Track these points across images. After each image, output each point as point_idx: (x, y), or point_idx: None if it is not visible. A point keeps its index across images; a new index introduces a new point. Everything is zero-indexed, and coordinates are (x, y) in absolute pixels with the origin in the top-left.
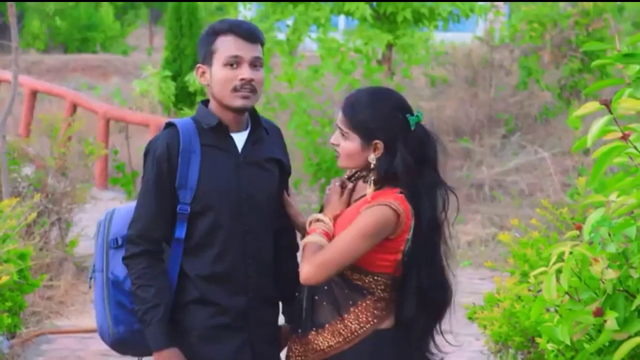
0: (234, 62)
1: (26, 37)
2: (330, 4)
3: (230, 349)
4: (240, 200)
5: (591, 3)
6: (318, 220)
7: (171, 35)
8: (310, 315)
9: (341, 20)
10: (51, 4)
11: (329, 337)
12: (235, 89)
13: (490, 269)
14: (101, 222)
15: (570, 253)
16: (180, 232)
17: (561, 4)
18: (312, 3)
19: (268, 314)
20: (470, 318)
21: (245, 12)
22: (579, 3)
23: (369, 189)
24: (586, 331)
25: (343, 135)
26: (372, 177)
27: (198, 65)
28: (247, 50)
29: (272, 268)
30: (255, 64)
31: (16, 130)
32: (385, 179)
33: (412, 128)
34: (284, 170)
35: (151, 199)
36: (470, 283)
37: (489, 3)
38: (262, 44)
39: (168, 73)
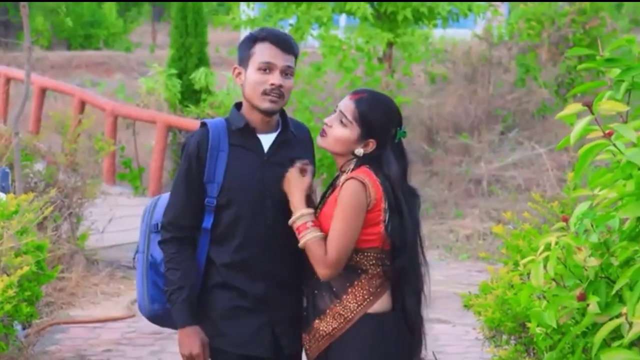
0: (266, 68)
1: (30, 34)
2: (332, 3)
3: (249, 328)
4: (263, 196)
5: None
6: (299, 217)
7: (177, 34)
8: (312, 307)
9: (342, 18)
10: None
11: (331, 320)
12: (265, 93)
13: (488, 262)
14: (147, 208)
15: (557, 243)
16: (207, 223)
17: (559, 2)
18: (314, 2)
19: (288, 299)
20: (466, 306)
21: (249, 12)
22: (576, 2)
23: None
24: (571, 315)
25: (342, 121)
26: (350, 167)
27: (235, 66)
28: (280, 59)
29: (293, 259)
30: (286, 72)
31: (26, 127)
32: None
33: (396, 141)
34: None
35: (181, 191)
36: (468, 275)
37: (486, 2)
38: (296, 56)
39: (174, 71)
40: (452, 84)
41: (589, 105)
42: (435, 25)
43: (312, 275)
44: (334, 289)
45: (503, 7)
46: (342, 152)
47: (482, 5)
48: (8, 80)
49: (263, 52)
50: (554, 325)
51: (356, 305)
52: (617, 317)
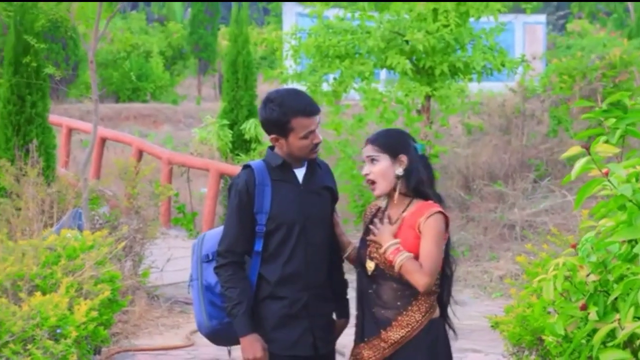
0: (309, 135)
1: (80, 87)
2: (373, 58)
3: (295, 333)
4: (303, 218)
5: (617, 56)
6: (390, 245)
7: (228, 87)
8: (373, 320)
9: (383, 72)
10: (109, 57)
11: (399, 330)
12: (312, 149)
13: (512, 287)
14: (195, 244)
15: (564, 264)
16: (259, 246)
17: (590, 56)
18: (357, 58)
19: (324, 307)
20: (492, 326)
21: (296, 67)
22: (606, 56)
23: (404, 202)
24: (577, 325)
25: (372, 161)
26: (398, 193)
27: (273, 135)
28: (313, 123)
29: (328, 271)
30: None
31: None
32: (414, 190)
33: (420, 152)
34: (334, 195)
35: (234, 222)
36: (500, 312)
37: (518, 57)
38: (319, 110)
39: (225, 122)
40: (487, 135)
41: (587, 148)
42: (470, 80)
43: (369, 294)
44: (398, 303)
45: (536, 63)
46: (392, 185)
47: (514, 61)
48: (70, 130)
49: (302, 125)
50: (562, 334)
51: (421, 315)
52: (613, 322)
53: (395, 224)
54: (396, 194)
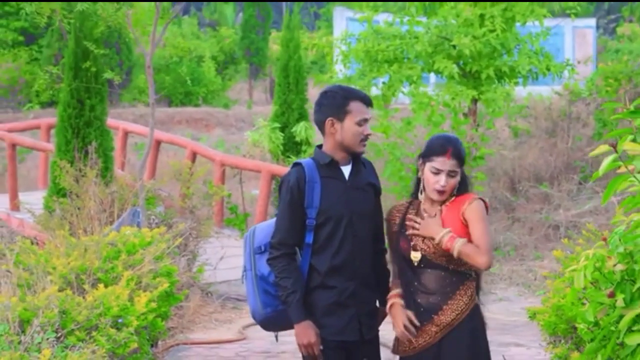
0: (363, 123)
1: (133, 92)
2: (421, 63)
3: (343, 320)
4: (350, 213)
5: None
6: (444, 234)
7: (280, 91)
8: (422, 311)
9: (431, 76)
10: (161, 61)
11: (450, 313)
12: (361, 140)
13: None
14: (247, 236)
15: (593, 255)
16: (309, 239)
17: (637, 60)
18: (406, 62)
19: (369, 295)
20: (530, 317)
21: (345, 71)
22: None
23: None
24: (606, 312)
25: (451, 175)
26: (455, 192)
27: (330, 118)
28: (368, 113)
29: (372, 261)
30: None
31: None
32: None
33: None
34: (377, 191)
35: (286, 216)
36: None
37: (563, 62)
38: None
39: (277, 125)
40: (533, 137)
41: (614, 146)
42: (516, 83)
43: (413, 285)
44: (447, 289)
45: (584, 67)
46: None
47: (560, 65)
48: (126, 133)
49: (359, 110)
50: (593, 320)
51: (467, 299)
52: (638, 308)
53: (436, 216)
54: (452, 197)
